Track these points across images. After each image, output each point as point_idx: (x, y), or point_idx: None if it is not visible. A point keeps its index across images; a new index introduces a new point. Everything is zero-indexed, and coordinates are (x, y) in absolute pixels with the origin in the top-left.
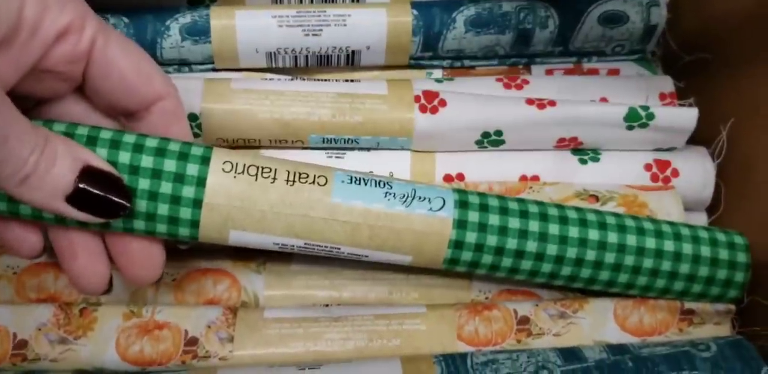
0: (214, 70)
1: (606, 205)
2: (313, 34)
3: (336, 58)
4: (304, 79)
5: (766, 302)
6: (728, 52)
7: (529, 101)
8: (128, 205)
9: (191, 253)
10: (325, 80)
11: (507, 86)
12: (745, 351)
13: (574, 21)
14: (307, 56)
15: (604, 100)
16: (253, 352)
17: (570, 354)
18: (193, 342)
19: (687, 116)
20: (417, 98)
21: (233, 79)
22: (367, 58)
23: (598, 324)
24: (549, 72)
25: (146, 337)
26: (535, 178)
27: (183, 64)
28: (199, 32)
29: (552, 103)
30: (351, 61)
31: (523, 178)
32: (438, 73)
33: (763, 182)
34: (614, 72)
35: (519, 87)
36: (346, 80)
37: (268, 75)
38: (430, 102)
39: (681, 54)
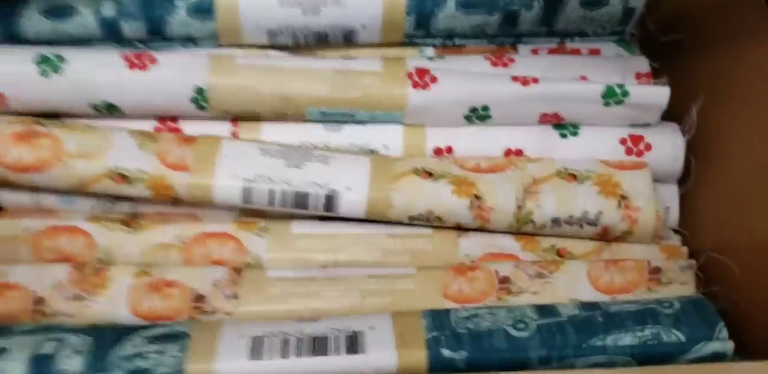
0: (219, 46)
1: (583, 184)
2: (312, 13)
3: (334, 36)
4: (303, 56)
5: (729, 262)
6: (701, 33)
7: (515, 78)
8: None
9: (197, 218)
10: (324, 58)
11: (494, 64)
12: (705, 309)
13: (557, 3)
14: (306, 34)
15: (584, 78)
16: (256, 308)
17: (545, 310)
18: (200, 298)
19: (659, 94)
20: (410, 75)
21: (238, 55)
22: (363, 37)
23: (572, 284)
24: (534, 52)
25: (156, 295)
26: (519, 152)
27: (188, 40)
28: (204, 10)
29: (535, 80)
30: (348, 39)
31: (508, 152)
32: (430, 52)
33: (731, 155)
34: (595, 52)
35: (505, 65)
36: (344, 58)
37: (271, 51)
38: (422, 78)
39: (657, 35)
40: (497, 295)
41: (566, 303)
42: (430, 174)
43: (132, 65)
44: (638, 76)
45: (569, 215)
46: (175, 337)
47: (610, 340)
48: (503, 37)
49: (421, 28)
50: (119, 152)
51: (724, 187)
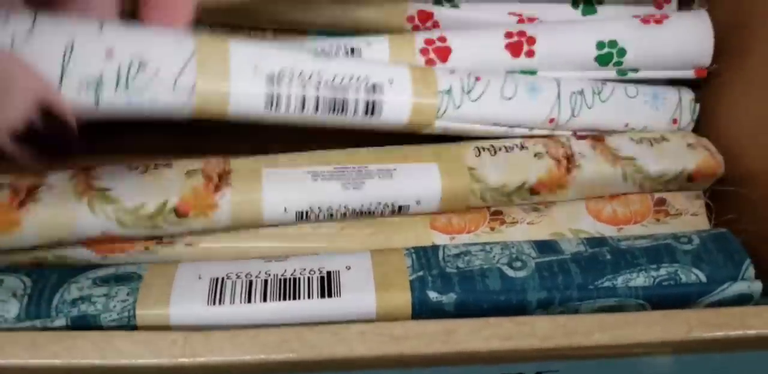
0: None
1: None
2: None
3: None
4: None
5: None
6: None
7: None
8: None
9: None
10: None
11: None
12: (728, 244)
13: None
14: None
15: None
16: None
17: (545, 246)
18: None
19: None
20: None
21: None
22: None
23: (572, 215)
24: None
25: None
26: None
27: None
28: None
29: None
30: None
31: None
32: None
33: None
34: None
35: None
36: None
37: None
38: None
39: None
40: (490, 225)
41: (569, 238)
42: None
43: None
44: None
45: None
46: (126, 279)
47: (620, 281)
48: None
49: None
50: None
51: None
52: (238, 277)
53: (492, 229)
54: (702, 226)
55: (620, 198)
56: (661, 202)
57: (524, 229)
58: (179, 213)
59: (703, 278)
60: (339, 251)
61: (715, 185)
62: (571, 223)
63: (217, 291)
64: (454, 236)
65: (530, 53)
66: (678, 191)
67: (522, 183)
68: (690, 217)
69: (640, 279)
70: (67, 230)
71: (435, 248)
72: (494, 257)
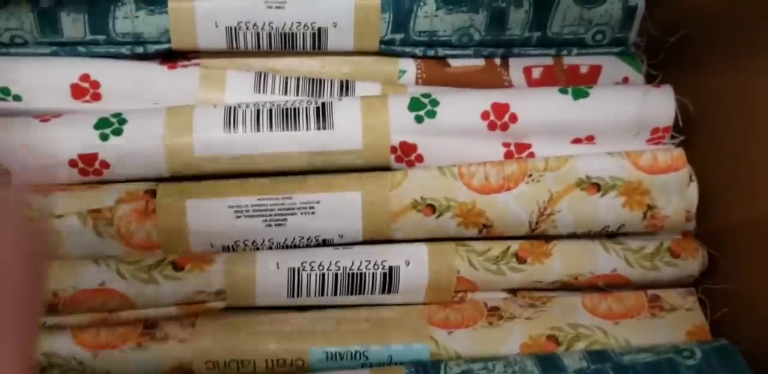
0: (170, 51)
1: (606, 195)
2: (276, 7)
3: (302, 37)
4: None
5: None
6: (710, 37)
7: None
8: None
9: None
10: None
11: (492, 127)
12: (731, 359)
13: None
14: (270, 33)
15: (590, 139)
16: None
17: (548, 363)
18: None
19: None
20: (393, 150)
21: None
22: (334, 40)
23: (568, 312)
24: (527, 71)
25: None
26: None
27: (137, 43)
28: (155, 1)
29: (530, 154)
30: (318, 42)
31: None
32: (411, 68)
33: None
34: (596, 69)
35: (504, 127)
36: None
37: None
38: (408, 155)
39: (661, 39)
40: (488, 320)
41: (571, 353)
42: (433, 209)
43: None
44: (655, 131)
45: (588, 230)
46: None
47: None
48: (492, 48)
49: (400, 29)
50: None
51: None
52: None
53: (490, 324)
54: (698, 320)
55: (614, 295)
56: (655, 298)
57: (523, 324)
58: None
59: None
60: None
61: (707, 283)
62: (568, 318)
63: None
64: (452, 330)
65: None
66: (669, 288)
67: None
68: (685, 312)
69: None
70: None
71: (437, 365)
72: None
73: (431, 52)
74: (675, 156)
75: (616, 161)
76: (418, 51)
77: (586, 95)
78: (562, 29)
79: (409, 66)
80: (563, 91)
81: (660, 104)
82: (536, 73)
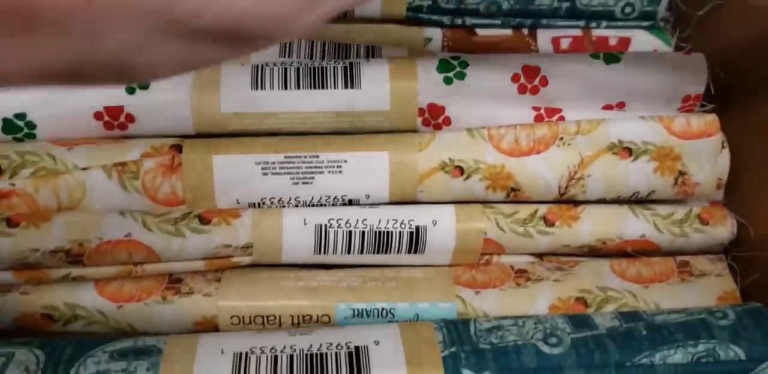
0: None
1: (638, 160)
2: None
3: None
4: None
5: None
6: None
7: (535, 108)
8: None
9: None
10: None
11: (522, 90)
12: (764, 320)
13: None
14: None
15: (620, 106)
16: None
17: (580, 321)
18: (177, 280)
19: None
20: (421, 112)
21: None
22: (361, 7)
23: (597, 275)
24: (556, 41)
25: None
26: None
27: None
28: None
29: (561, 118)
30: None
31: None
32: (437, 36)
33: None
34: (625, 41)
35: (535, 90)
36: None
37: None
38: (435, 118)
39: (690, 11)
40: (515, 281)
41: (602, 313)
42: (461, 171)
43: None
44: (686, 99)
45: (617, 196)
46: (145, 353)
47: (658, 357)
48: (520, 18)
49: None
50: None
51: None
52: (262, 352)
53: (518, 285)
54: (728, 286)
55: (643, 260)
56: (684, 264)
57: (551, 286)
58: None
59: (743, 356)
60: (362, 303)
61: (735, 250)
62: (596, 281)
63: (241, 368)
64: (479, 290)
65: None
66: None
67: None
68: (715, 277)
69: (678, 356)
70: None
71: (466, 322)
72: (528, 332)
73: (458, 21)
74: (708, 121)
75: (649, 126)
76: (445, 19)
77: (618, 60)
78: (591, 1)
79: (435, 34)
80: (595, 57)
81: (692, 71)
82: (565, 44)
